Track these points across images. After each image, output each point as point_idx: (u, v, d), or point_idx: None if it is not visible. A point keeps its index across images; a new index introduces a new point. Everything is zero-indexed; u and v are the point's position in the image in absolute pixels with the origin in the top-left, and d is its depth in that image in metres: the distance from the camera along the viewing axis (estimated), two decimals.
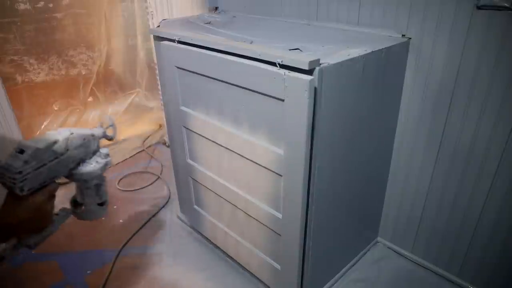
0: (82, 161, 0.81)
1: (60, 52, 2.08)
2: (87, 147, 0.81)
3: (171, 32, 1.19)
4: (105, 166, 0.85)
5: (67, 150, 0.76)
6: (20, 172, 0.68)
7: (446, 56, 1.07)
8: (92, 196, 0.86)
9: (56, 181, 0.78)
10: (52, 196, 0.77)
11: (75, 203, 0.88)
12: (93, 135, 0.83)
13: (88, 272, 1.40)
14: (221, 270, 1.40)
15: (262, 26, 1.37)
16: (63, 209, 0.84)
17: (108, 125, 0.89)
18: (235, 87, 1.01)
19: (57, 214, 0.81)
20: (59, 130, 0.78)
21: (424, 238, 1.34)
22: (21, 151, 0.70)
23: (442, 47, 1.07)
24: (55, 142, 0.74)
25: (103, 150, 0.86)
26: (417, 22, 1.09)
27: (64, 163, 0.77)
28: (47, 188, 0.75)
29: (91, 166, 0.82)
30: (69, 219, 0.86)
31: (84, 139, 0.80)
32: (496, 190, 1.09)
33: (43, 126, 2.11)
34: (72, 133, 0.77)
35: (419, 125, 1.21)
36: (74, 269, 1.42)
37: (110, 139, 0.89)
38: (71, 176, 0.81)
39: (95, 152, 0.84)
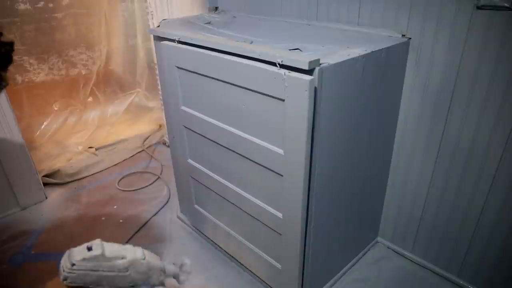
0: (136, 285, 0.82)
1: (60, 52, 2.08)
2: (149, 277, 0.83)
3: (171, 32, 1.19)
4: None
5: (127, 270, 0.78)
6: (73, 264, 0.73)
7: (446, 56, 1.07)
8: None
9: None
10: None
11: None
12: (161, 270, 0.84)
13: None
14: (221, 270, 1.40)
15: (262, 26, 1.37)
16: None
17: (186, 271, 0.91)
18: (235, 87, 1.01)
19: None
20: (135, 248, 0.80)
21: (424, 238, 1.34)
22: (90, 249, 0.73)
23: (442, 47, 1.07)
24: (122, 258, 0.77)
25: None
26: (417, 22, 1.10)
27: (117, 279, 0.79)
28: None
29: None
30: (68, 218, 0.86)
31: (150, 269, 0.81)
32: (496, 190, 1.09)
33: (43, 126, 2.11)
34: (143, 259, 0.80)
35: (419, 125, 1.21)
36: None
37: (177, 280, 0.91)
38: None
39: (153, 286, 0.85)
